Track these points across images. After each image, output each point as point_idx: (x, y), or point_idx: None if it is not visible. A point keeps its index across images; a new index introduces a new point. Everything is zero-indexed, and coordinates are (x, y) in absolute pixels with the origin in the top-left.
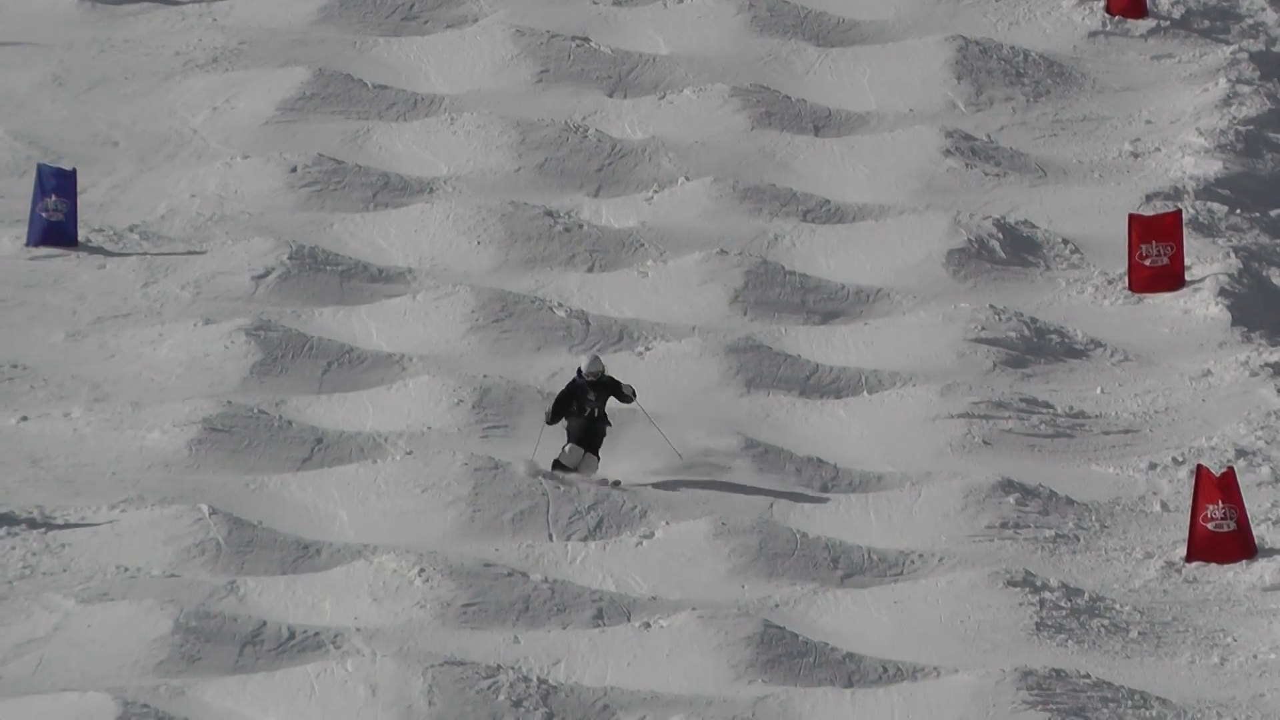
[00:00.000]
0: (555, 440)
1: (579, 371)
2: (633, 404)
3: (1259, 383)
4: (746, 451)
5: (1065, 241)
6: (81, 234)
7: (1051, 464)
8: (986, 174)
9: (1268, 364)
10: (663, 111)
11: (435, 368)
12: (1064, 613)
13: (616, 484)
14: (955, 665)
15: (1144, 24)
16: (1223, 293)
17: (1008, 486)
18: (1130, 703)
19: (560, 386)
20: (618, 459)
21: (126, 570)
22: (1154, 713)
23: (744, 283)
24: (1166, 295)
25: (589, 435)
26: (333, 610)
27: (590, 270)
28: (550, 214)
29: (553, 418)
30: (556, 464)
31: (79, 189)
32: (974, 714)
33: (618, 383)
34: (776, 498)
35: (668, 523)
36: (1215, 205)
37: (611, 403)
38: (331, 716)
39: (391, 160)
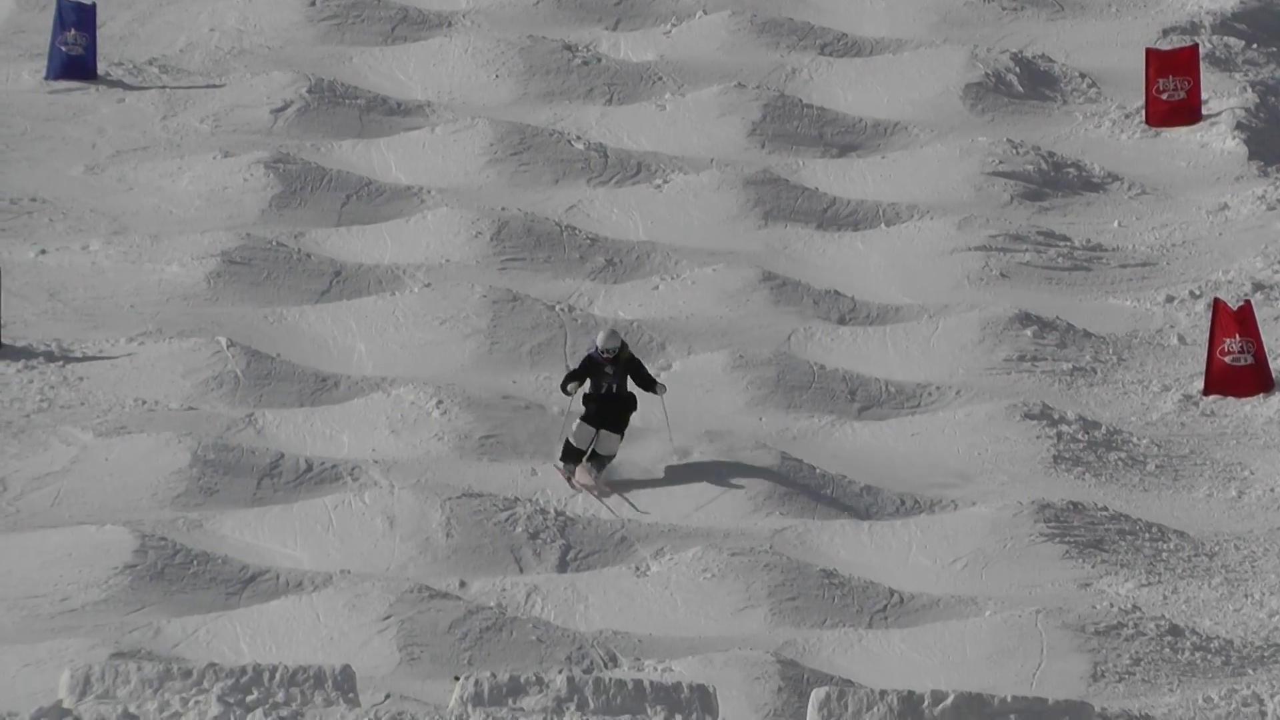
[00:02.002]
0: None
1: (594, 346)
2: (658, 396)
3: (1276, 216)
4: (764, 284)
5: (1082, 75)
6: (101, 67)
7: (1069, 297)
8: (1004, 8)
9: None
10: None
11: (454, 200)
12: (1081, 445)
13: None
14: (973, 498)
15: None
16: (1239, 127)
17: (1025, 319)
18: (1147, 535)
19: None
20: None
21: (144, 403)
22: (1171, 545)
23: (762, 115)
24: (1183, 129)
25: (606, 414)
26: (351, 442)
27: (608, 103)
28: (569, 47)
29: (574, 388)
30: (566, 448)
31: (98, 23)
32: (991, 546)
33: (640, 365)
34: (794, 330)
35: (687, 354)
36: (1232, 40)
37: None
38: (350, 548)
39: None
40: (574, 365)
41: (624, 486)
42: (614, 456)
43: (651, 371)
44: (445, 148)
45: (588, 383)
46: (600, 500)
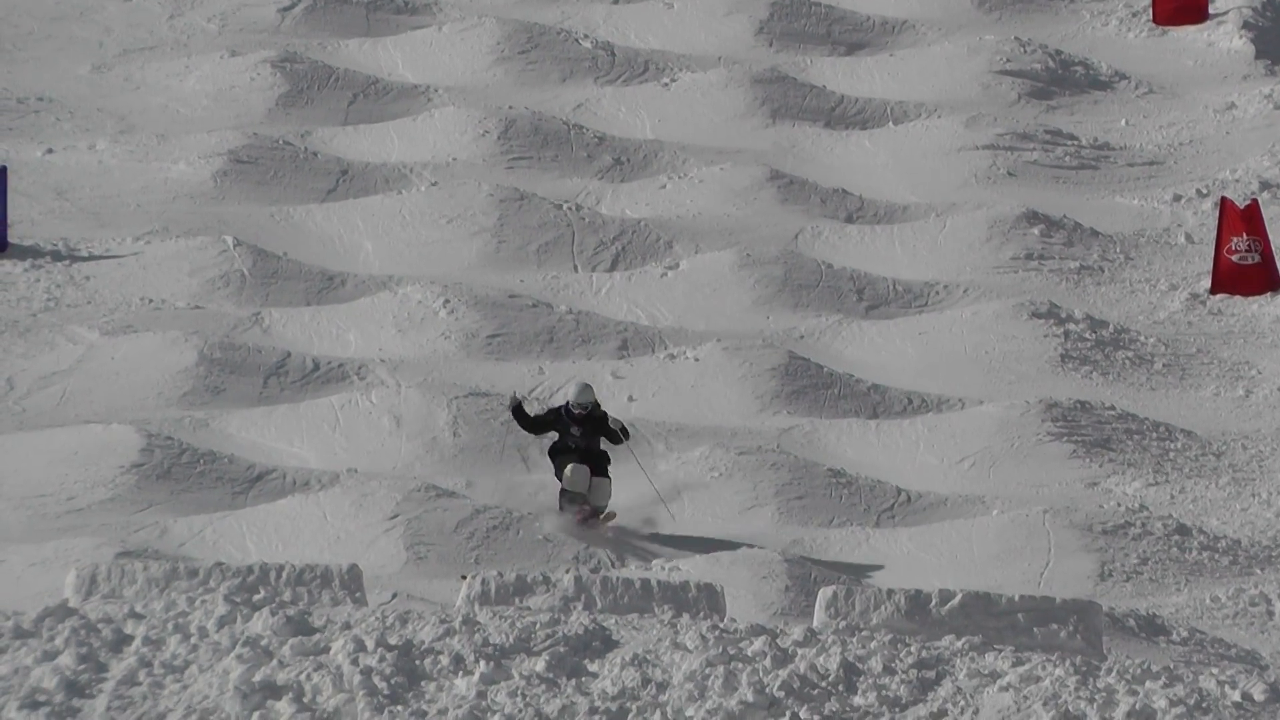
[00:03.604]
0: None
1: (567, 401)
2: (624, 445)
3: None
4: (771, 183)
5: None
6: None
7: (1076, 195)
8: None
9: None
10: None
11: (461, 99)
12: (1089, 344)
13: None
14: (980, 397)
15: None
16: (1246, 25)
17: (1032, 218)
18: (1155, 434)
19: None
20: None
21: (151, 302)
22: (1178, 444)
23: (769, 14)
24: (1190, 28)
25: (583, 462)
26: (357, 341)
27: (616, 1)
28: None
29: (530, 426)
30: (563, 494)
31: None
32: (999, 445)
33: (605, 423)
34: (801, 228)
35: (694, 253)
36: None
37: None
38: (356, 447)
39: None
40: (541, 411)
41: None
42: (607, 508)
43: (616, 423)
44: (452, 46)
45: (556, 436)
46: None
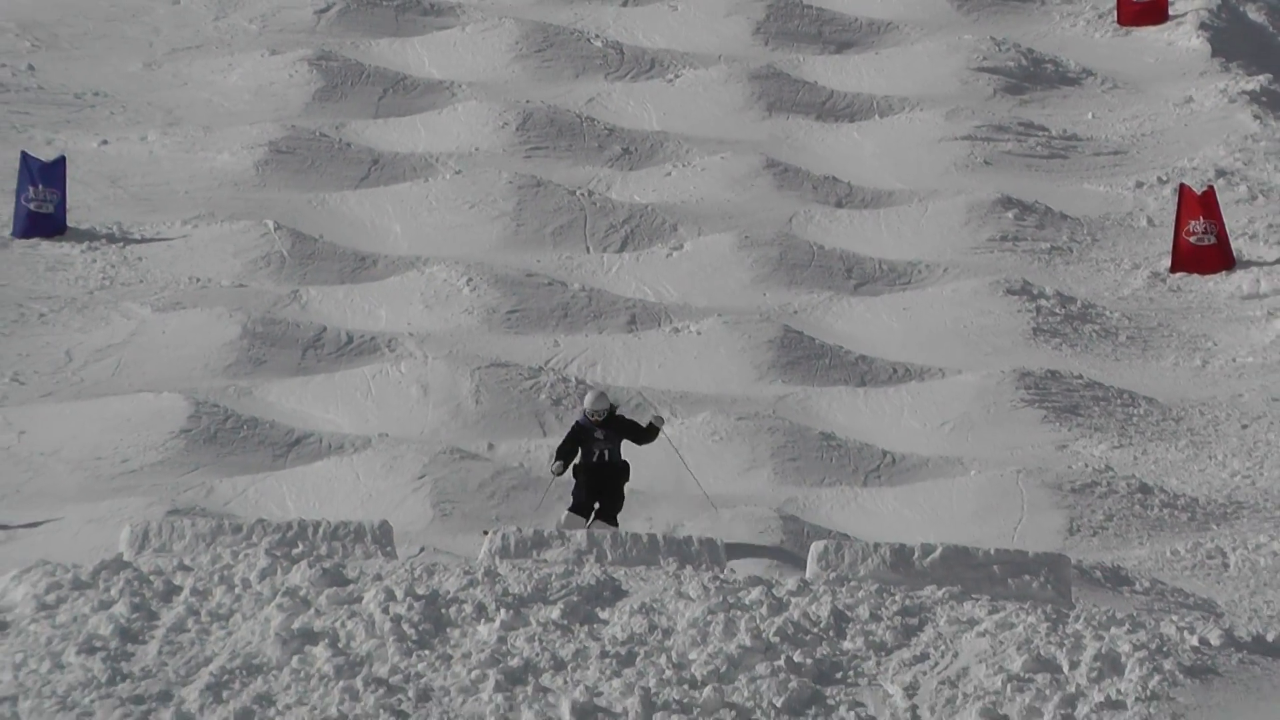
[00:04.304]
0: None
1: (582, 412)
2: (654, 441)
3: (1237, 108)
4: (768, 170)
5: None
6: None
7: (1047, 182)
8: None
9: (1245, 91)
10: None
11: (482, 93)
12: (1058, 318)
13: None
14: (959, 366)
15: None
16: (1203, 26)
17: (1007, 203)
18: (1119, 401)
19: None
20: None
21: (198, 280)
22: (1141, 410)
23: (765, 15)
24: (1152, 28)
25: (600, 488)
26: (388, 316)
27: (624, 4)
28: None
29: (560, 467)
30: (567, 517)
31: None
32: (976, 411)
33: (633, 423)
34: (795, 212)
35: (697, 235)
36: None
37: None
38: (387, 414)
39: None
40: (564, 433)
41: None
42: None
43: (643, 420)
44: (474, 45)
45: (579, 453)
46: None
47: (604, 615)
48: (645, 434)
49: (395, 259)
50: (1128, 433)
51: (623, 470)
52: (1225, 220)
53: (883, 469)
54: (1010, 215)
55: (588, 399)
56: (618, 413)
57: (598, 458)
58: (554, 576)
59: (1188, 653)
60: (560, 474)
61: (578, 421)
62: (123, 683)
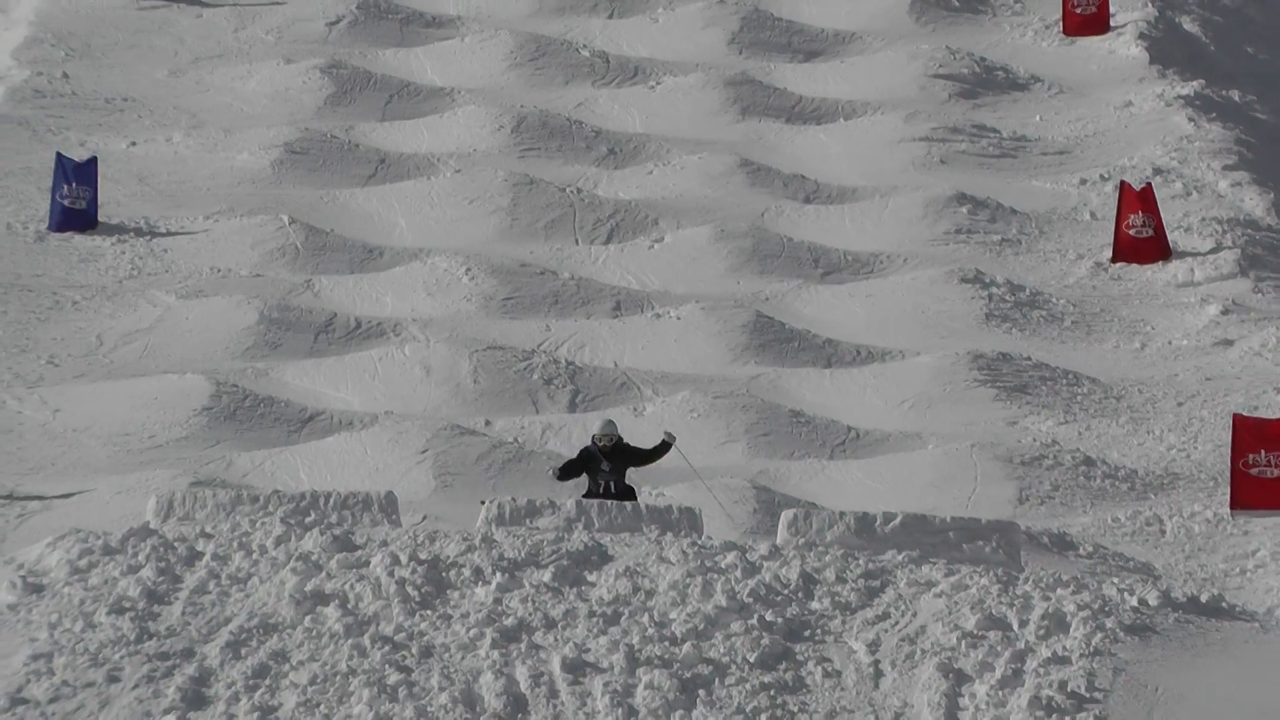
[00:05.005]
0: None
1: (592, 438)
2: (662, 458)
3: (1173, 111)
4: (742, 169)
5: None
6: None
7: (998, 179)
8: None
9: (1180, 96)
10: None
11: (480, 98)
12: (1009, 305)
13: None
14: (918, 349)
15: None
16: (1142, 36)
17: (961, 198)
18: (1065, 381)
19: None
20: None
21: (219, 270)
22: (1085, 389)
23: (740, 26)
24: (1095, 38)
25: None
26: (393, 303)
27: (610, 17)
28: None
29: (558, 473)
30: None
31: None
32: (933, 390)
33: (639, 450)
34: (767, 207)
35: (676, 228)
36: None
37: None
38: (393, 392)
39: None
40: (571, 455)
41: None
42: None
43: (648, 448)
44: (473, 54)
45: (585, 482)
46: None
47: (591, 578)
48: (654, 455)
49: (400, 250)
50: (1073, 410)
51: (628, 494)
52: (1162, 214)
53: (848, 443)
54: (964, 210)
55: (597, 425)
56: (624, 443)
57: (604, 489)
58: (545, 542)
59: (1128, 612)
60: (556, 479)
61: (586, 447)
62: (149, 640)
